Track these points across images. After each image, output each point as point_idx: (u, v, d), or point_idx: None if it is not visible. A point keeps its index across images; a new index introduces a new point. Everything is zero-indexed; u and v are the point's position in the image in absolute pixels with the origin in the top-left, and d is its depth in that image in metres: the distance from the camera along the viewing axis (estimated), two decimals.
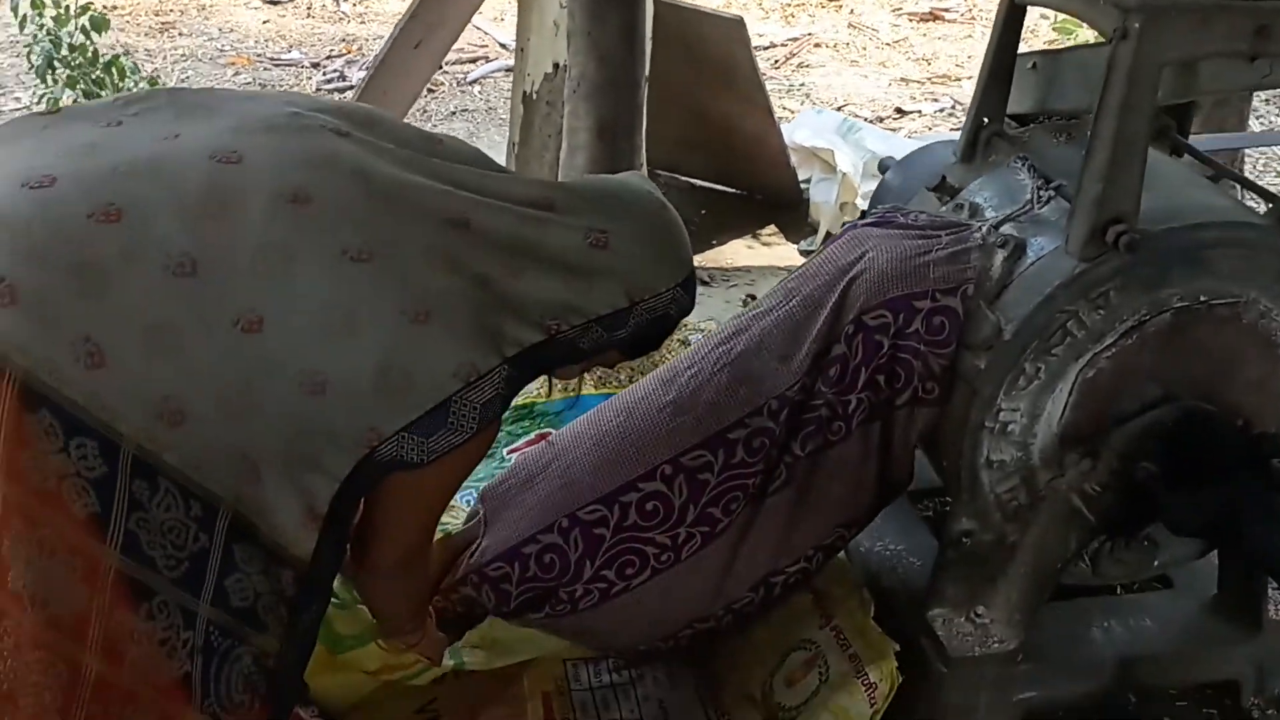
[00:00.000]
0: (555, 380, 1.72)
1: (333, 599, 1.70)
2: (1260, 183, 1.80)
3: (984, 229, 1.63)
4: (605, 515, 1.76)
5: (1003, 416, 1.59)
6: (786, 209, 4.16)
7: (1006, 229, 1.62)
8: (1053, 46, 1.72)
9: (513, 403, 2.55)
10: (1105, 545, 1.72)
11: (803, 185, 4.16)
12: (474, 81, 5.67)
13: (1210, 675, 1.85)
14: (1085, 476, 1.62)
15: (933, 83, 5.80)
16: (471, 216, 1.28)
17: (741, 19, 3.89)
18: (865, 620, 1.78)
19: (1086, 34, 4.60)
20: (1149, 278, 1.52)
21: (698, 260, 3.96)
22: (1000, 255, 1.59)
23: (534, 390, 2.62)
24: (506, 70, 5.54)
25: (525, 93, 3.37)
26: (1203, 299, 1.55)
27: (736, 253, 3.99)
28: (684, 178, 4.47)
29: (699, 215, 4.27)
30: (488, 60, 5.92)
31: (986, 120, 1.80)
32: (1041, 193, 1.63)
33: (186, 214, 1.17)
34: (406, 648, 1.71)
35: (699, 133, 4.16)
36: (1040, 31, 5.72)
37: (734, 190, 4.41)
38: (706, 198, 4.39)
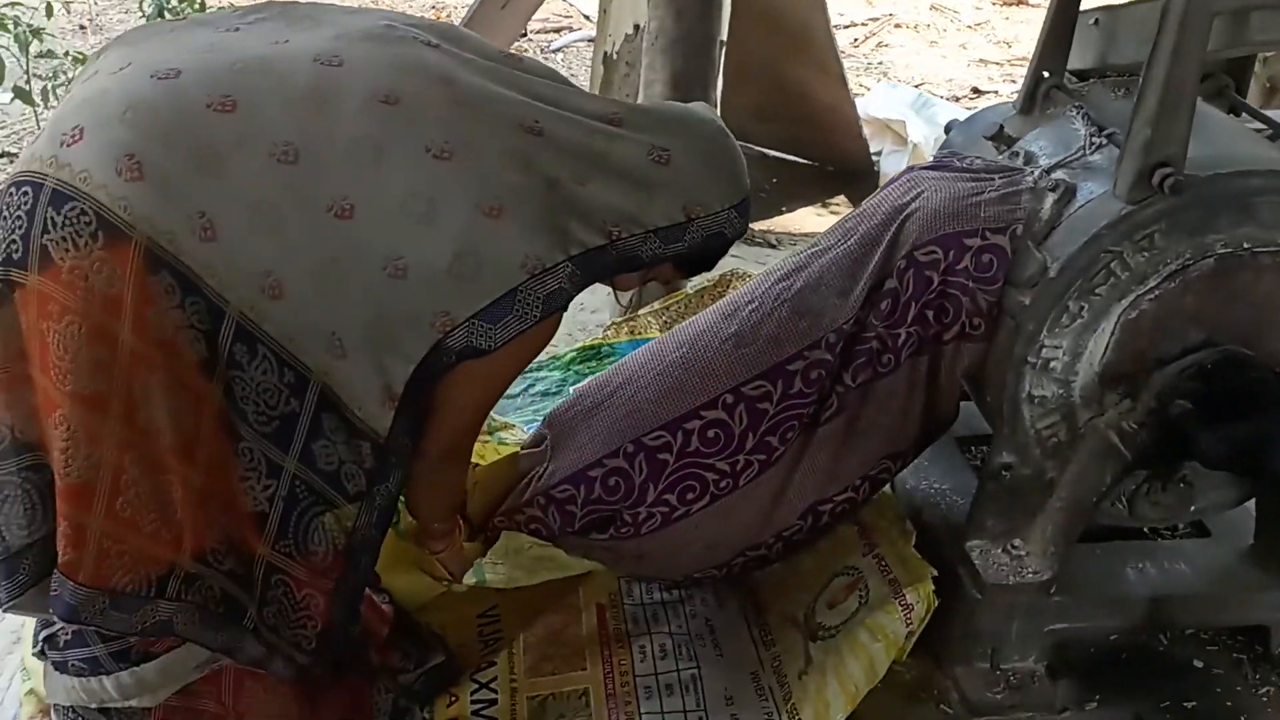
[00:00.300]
0: (618, 297, 1.82)
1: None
2: None
3: (1036, 174, 1.70)
4: (669, 441, 1.86)
5: (1045, 353, 1.66)
6: (856, 179, 4.23)
7: (1058, 174, 1.69)
8: (1114, 2, 1.75)
9: (581, 343, 2.70)
10: (1142, 487, 1.78)
11: (874, 157, 4.22)
12: (557, 50, 5.80)
13: (1241, 619, 1.90)
14: (1124, 415, 1.69)
15: (1012, 65, 5.80)
16: (545, 125, 1.38)
17: None
18: (906, 548, 1.86)
19: None
20: (1194, 222, 1.58)
21: (767, 225, 4.07)
22: (1050, 198, 1.65)
23: (602, 331, 2.74)
24: (588, 40, 5.65)
25: (606, 53, 3.46)
26: (1246, 246, 1.60)
27: (805, 220, 4.07)
28: (756, 147, 4.55)
29: (770, 183, 4.35)
30: (571, 30, 6.05)
31: (1046, 74, 1.86)
32: (1094, 140, 1.69)
33: (292, 108, 1.29)
34: (433, 553, 1.82)
35: (774, 101, 4.24)
36: None
37: (805, 161, 4.49)
38: (778, 167, 4.47)
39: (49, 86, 3.70)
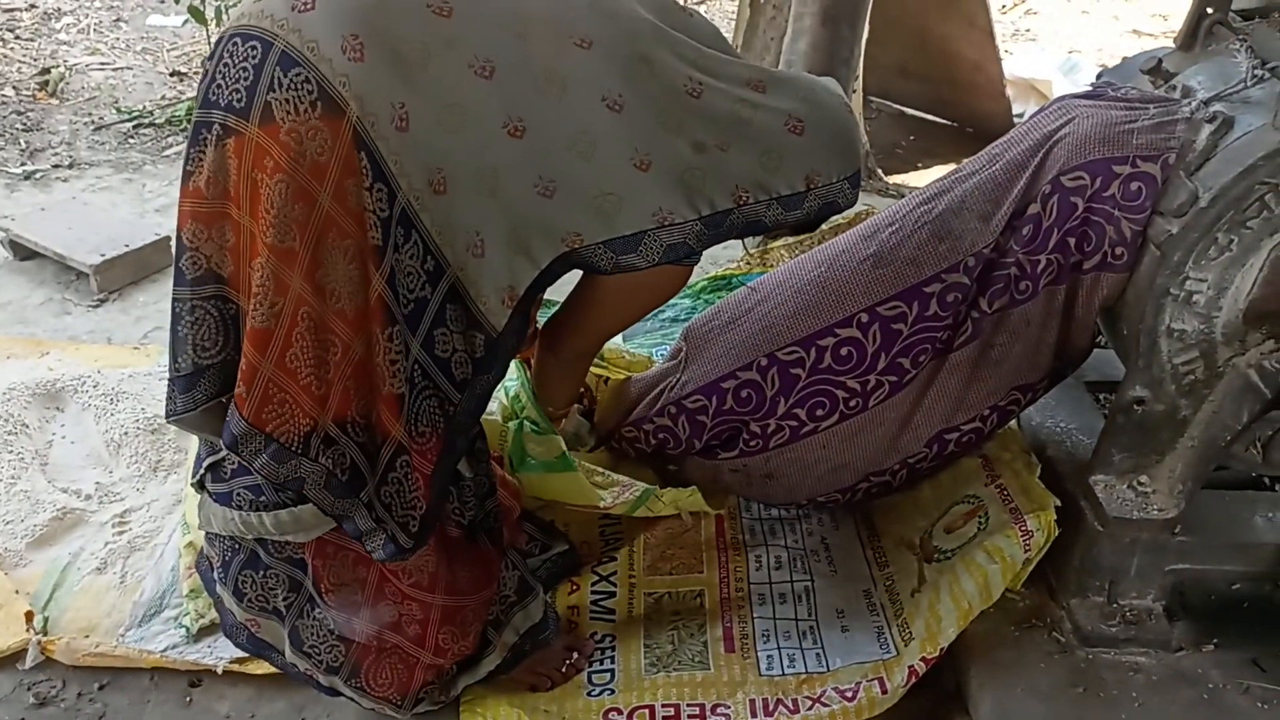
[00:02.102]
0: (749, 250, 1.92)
1: (533, 425, 1.91)
2: None
3: (1193, 104, 1.68)
4: (802, 356, 1.91)
5: (1189, 285, 1.65)
6: (995, 139, 4.16)
7: (1216, 106, 1.66)
8: None
9: (711, 274, 2.75)
10: (1278, 433, 1.76)
11: (1016, 118, 4.16)
12: (700, 3, 5.82)
13: None
14: (1266, 355, 1.67)
15: (1166, 36, 5.60)
16: (704, 89, 1.49)
17: None
18: (1030, 479, 1.87)
19: None
20: None
21: (900, 179, 4.05)
22: (1206, 129, 1.63)
23: (732, 262, 2.78)
24: None
25: None
26: None
27: (937, 177, 4.04)
28: (896, 105, 4.52)
29: (908, 140, 4.33)
30: None
31: (1210, 10, 1.83)
32: (1256, 73, 1.66)
33: (499, 29, 1.38)
34: (552, 418, 1.96)
35: (918, 59, 4.21)
36: None
37: (945, 121, 4.44)
38: (917, 125, 4.44)
39: (223, 6, 3.88)
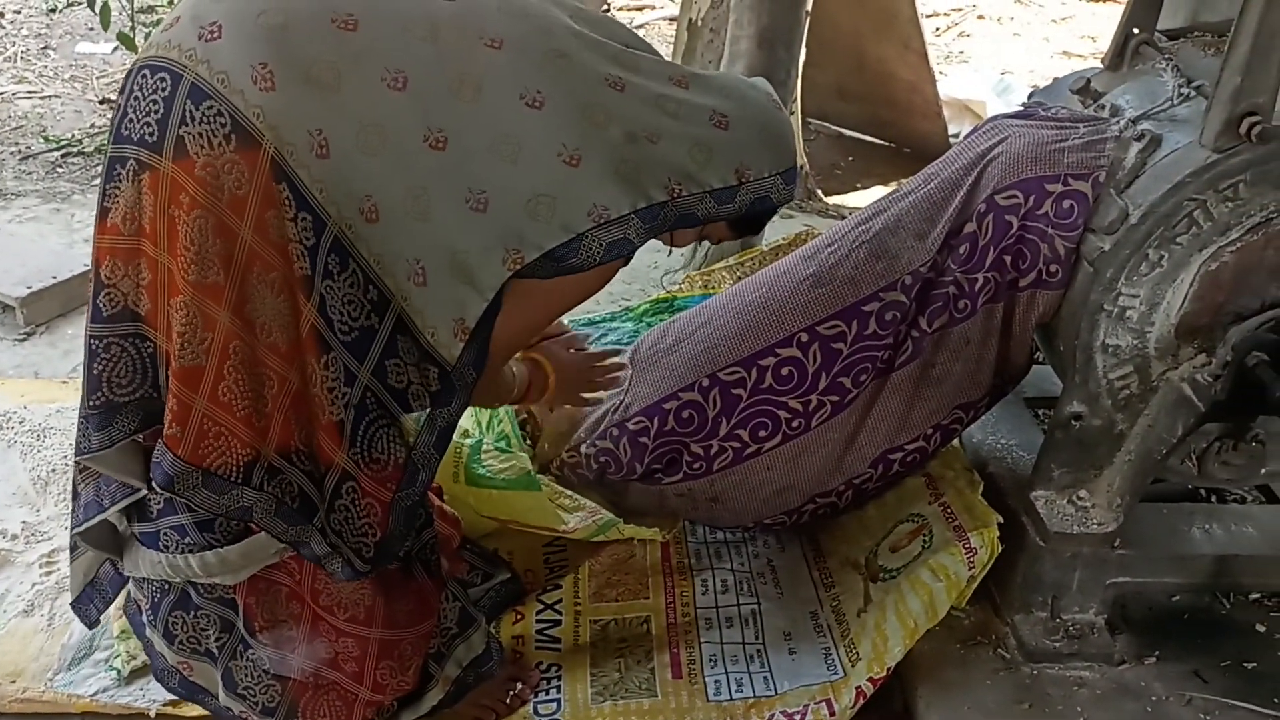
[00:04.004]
0: (676, 251, 1.88)
1: (500, 441, 1.87)
2: None
3: (1121, 123, 1.70)
4: (743, 377, 1.90)
5: (1122, 301, 1.67)
6: (932, 159, 4.22)
7: (1144, 125, 1.69)
8: None
9: (653, 296, 2.74)
10: (1213, 446, 1.77)
11: (952, 138, 4.22)
12: (639, 27, 5.85)
13: None
14: (1198, 369, 1.69)
15: (1094, 57, 5.73)
16: (627, 81, 1.45)
17: None
18: (973, 496, 1.88)
19: None
20: None
21: (840, 199, 4.08)
22: (1135, 147, 1.66)
23: (675, 285, 2.78)
24: (670, 19, 5.71)
25: (690, 20, 3.51)
26: None
27: (877, 197, 4.08)
28: (834, 126, 4.57)
29: (846, 161, 4.37)
30: (653, 9, 6.11)
31: (1136, 31, 1.87)
32: (1182, 91, 1.70)
33: (407, 36, 1.34)
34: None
35: (854, 80, 4.26)
36: None
37: (883, 141, 4.49)
38: (855, 146, 4.49)
39: (152, 32, 3.82)
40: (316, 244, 1.31)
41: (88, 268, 2.85)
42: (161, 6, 4.07)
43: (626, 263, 1.53)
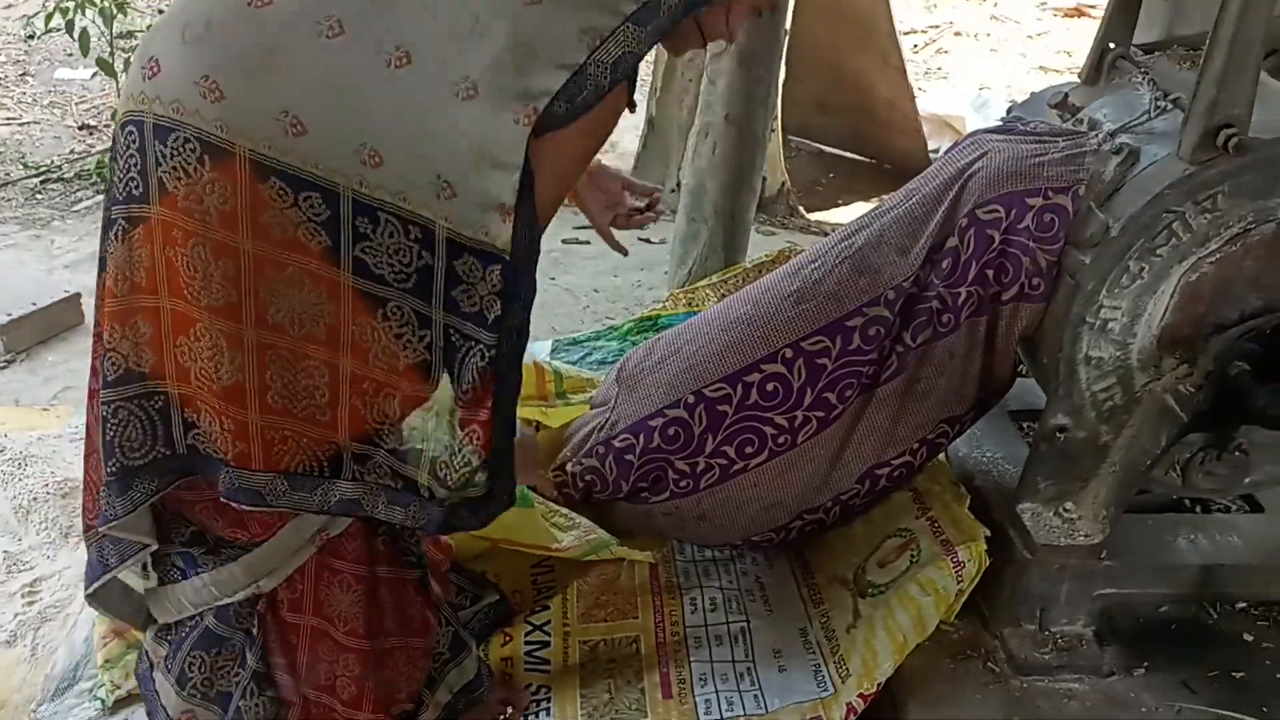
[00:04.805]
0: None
1: None
2: None
3: (1100, 136, 1.72)
4: (729, 393, 1.90)
5: (1104, 313, 1.68)
6: (913, 175, 4.25)
7: (1122, 138, 1.70)
8: None
9: (638, 314, 2.74)
10: (1197, 456, 1.78)
11: (932, 154, 4.25)
12: None
13: None
14: (1181, 379, 1.70)
15: (1071, 71, 5.79)
16: None
17: None
18: (959, 510, 1.88)
19: None
20: (1257, 185, 1.59)
21: (821, 215, 4.10)
22: (1114, 160, 1.67)
23: (658, 303, 2.79)
24: None
25: None
26: None
27: (859, 213, 4.11)
28: (815, 143, 4.59)
29: (827, 177, 4.40)
30: None
31: (1112, 45, 1.88)
32: (1159, 104, 1.71)
33: None
34: None
35: (835, 95, 4.28)
36: None
37: (863, 158, 4.52)
38: (836, 162, 4.52)
39: (131, 59, 3.81)
40: (334, 215, 1.29)
41: (69, 294, 2.85)
42: (140, 31, 4.06)
43: (632, 100, 1.47)
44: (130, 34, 4.02)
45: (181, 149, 1.27)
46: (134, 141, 1.29)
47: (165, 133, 1.27)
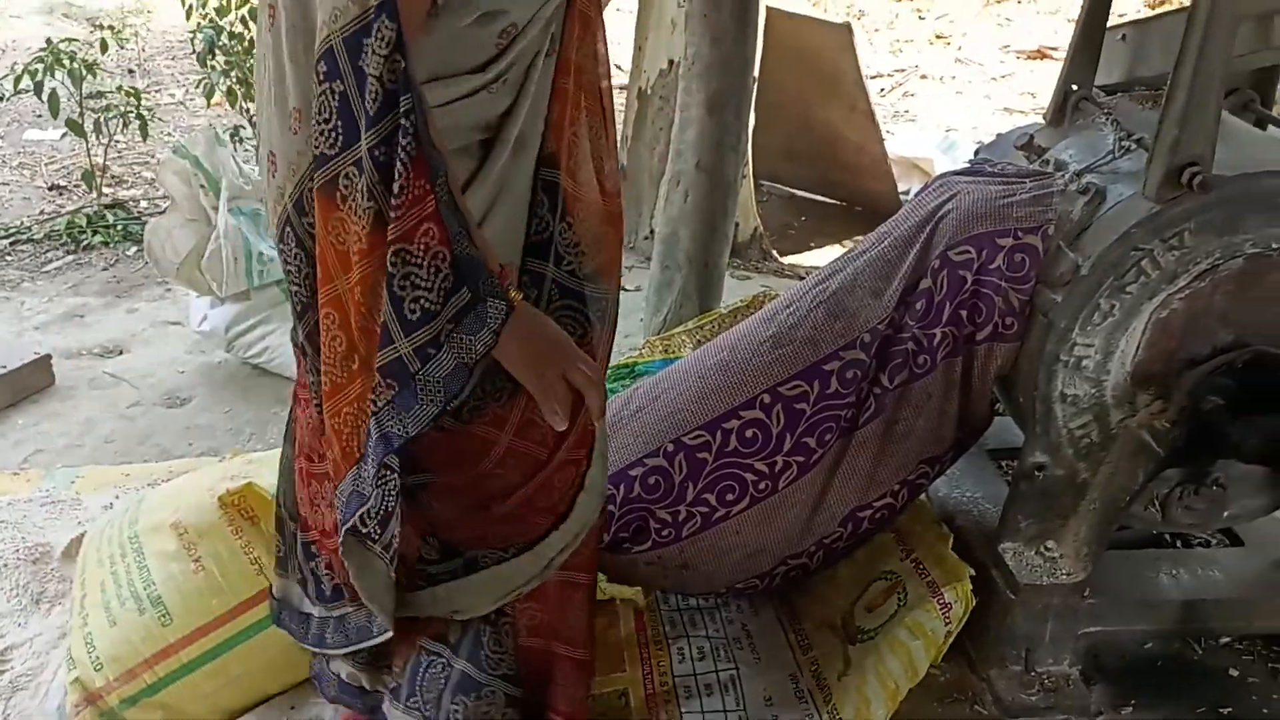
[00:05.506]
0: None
1: None
2: None
3: (1066, 177, 1.74)
4: (708, 440, 1.89)
5: (1077, 351, 1.69)
6: (884, 217, 4.29)
7: (1088, 178, 1.73)
8: (1141, 17, 1.84)
9: (613, 361, 2.73)
10: (1175, 491, 1.79)
11: (902, 196, 4.28)
12: None
13: (1274, 626, 1.90)
14: (1155, 415, 1.71)
15: (1037, 113, 5.87)
16: None
17: (849, 24, 4.06)
18: (944, 550, 1.88)
19: None
20: (1222, 222, 1.61)
21: (794, 259, 4.11)
22: (1081, 200, 1.69)
23: (634, 350, 2.78)
24: (620, 87, 5.77)
25: (640, 88, 3.57)
26: (1275, 246, 1.63)
27: (832, 255, 4.14)
28: (786, 187, 4.63)
29: (799, 221, 4.43)
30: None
31: (1075, 87, 1.91)
32: (1123, 144, 1.74)
33: None
34: None
35: (803, 142, 4.32)
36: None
37: (834, 200, 4.56)
38: (808, 206, 4.55)
39: (101, 119, 3.81)
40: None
41: (39, 355, 2.82)
42: (110, 92, 4.05)
43: None
44: (100, 94, 4.00)
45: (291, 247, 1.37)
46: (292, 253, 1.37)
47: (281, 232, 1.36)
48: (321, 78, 1.20)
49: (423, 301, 1.22)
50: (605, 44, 1.41)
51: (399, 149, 1.19)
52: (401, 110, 1.18)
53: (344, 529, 1.33)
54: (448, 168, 1.24)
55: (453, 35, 1.24)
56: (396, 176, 1.20)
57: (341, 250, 1.25)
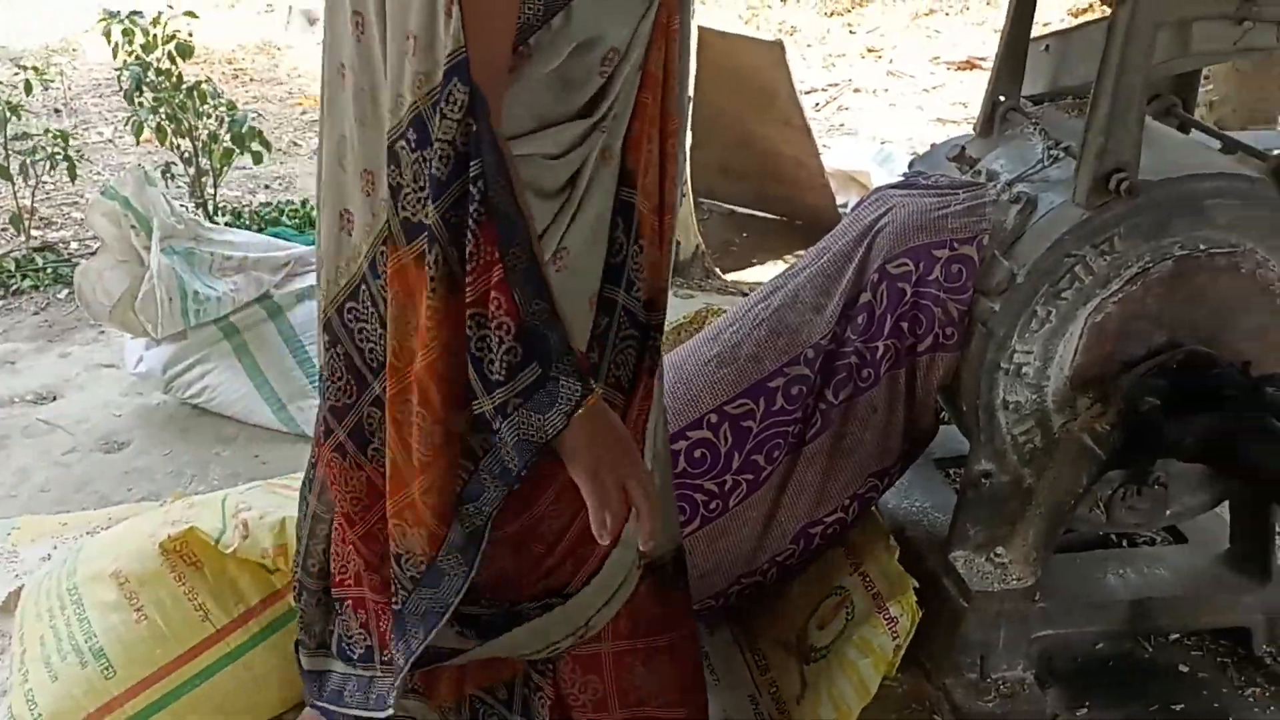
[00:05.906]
0: None
1: None
2: None
3: (998, 187, 1.77)
4: None
5: (1017, 358, 1.71)
6: (824, 231, 4.32)
7: (1019, 187, 1.75)
8: (1064, 28, 1.87)
9: None
10: (1118, 492, 1.82)
11: (840, 208, 4.32)
12: None
13: (1221, 621, 1.92)
14: (1096, 418, 1.74)
15: (969, 122, 5.96)
16: None
17: (781, 42, 4.09)
18: (890, 562, 1.88)
19: None
20: (1151, 226, 1.65)
21: (737, 275, 4.12)
22: (1014, 209, 1.72)
23: None
24: None
25: None
26: (1202, 247, 1.67)
27: (774, 271, 4.16)
28: (725, 205, 4.65)
29: (740, 237, 4.44)
30: None
31: (1002, 98, 1.94)
32: (1051, 153, 1.77)
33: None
34: None
35: (742, 159, 4.34)
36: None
37: (774, 216, 4.59)
38: (748, 222, 4.57)
39: (27, 162, 3.73)
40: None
41: None
42: (35, 135, 3.97)
43: None
44: (26, 135, 3.92)
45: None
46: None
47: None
48: (413, 145, 1.17)
49: (493, 371, 1.17)
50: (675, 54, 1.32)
51: (469, 214, 1.15)
52: (471, 175, 1.15)
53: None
54: (528, 231, 1.18)
55: (551, 76, 1.19)
56: (467, 242, 1.16)
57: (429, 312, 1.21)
